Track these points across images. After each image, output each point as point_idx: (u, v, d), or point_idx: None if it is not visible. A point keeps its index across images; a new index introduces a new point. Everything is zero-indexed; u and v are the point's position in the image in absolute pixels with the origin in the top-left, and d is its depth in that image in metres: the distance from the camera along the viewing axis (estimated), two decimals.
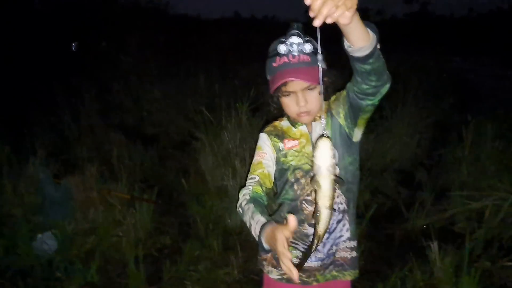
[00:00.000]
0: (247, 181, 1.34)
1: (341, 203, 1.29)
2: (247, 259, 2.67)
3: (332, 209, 0.96)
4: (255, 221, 1.17)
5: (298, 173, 1.30)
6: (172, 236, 2.99)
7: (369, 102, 1.11)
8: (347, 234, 1.32)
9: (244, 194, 1.30)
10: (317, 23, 0.77)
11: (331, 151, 0.90)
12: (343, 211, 1.30)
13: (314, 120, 1.29)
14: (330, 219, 0.97)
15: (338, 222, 1.30)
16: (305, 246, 1.32)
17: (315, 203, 0.96)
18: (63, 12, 9.72)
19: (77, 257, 2.53)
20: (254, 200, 1.26)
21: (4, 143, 3.15)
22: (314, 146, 0.93)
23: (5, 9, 8.12)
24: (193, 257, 2.67)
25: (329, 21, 0.78)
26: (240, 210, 1.28)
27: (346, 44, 0.95)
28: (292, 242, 1.33)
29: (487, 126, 3.42)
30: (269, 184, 1.34)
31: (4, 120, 4.31)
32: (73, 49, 8.84)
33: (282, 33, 1.23)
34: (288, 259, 0.98)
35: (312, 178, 0.94)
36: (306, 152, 1.29)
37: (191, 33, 13.25)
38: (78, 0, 10.84)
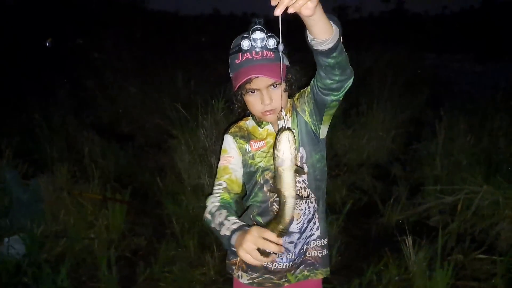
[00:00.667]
0: (214, 188, 1.28)
1: (311, 202, 1.26)
2: (224, 259, 2.63)
3: (295, 198, 0.96)
4: (230, 222, 1.11)
5: (267, 174, 1.26)
6: (147, 237, 2.91)
7: (333, 98, 1.09)
8: (317, 233, 1.31)
9: (213, 202, 1.24)
10: (277, 12, 0.74)
11: (293, 143, 0.90)
12: (314, 210, 1.28)
13: (280, 119, 1.23)
14: (294, 208, 0.97)
15: (309, 221, 1.28)
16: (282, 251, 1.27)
17: (278, 195, 0.96)
18: (35, 7, 9.36)
19: (46, 261, 2.42)
20: (224, 207, 1.20)
21: None
22: (276, 140, 0.90)
23: None
24: (168, 258, 2.62)
25: (291, 11, 0.76)
26: (209, 216, 1.20)
27: (309, 37, 0.93)
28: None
29: (459, 121, 3.50)
30: (237, 189, 1.29)
31: None
32: (47, 44, 8.53)
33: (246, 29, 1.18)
34: (270, 233, 0.96)
35: (275, 171, 0.94)
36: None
37: (169, 29, 13.05)
38: None
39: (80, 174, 3.22)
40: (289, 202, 0.96)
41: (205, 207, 1.24)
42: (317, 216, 1.29)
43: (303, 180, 1.24)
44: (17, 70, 5.62)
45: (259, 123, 1.29)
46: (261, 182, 1.27)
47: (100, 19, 9.13)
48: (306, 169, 1.23)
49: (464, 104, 4.47)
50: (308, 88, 1.18)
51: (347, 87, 1.07)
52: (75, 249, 2.61)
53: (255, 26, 1.12)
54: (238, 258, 1.35)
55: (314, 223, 1.29)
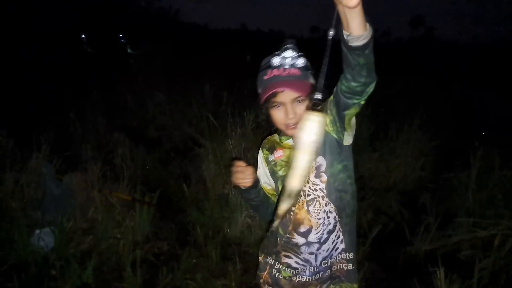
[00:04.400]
0: None
1: (330, 212, 1.27)
2: (246, 271, 2.61)
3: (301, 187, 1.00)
4: None
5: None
6: (170, 242, 2.93)
7: (355, 101, 1.13)
8: (341, 246, 1.30)
9: None
10: None
11: (319, 127, 0.90)
12: (335, 221, 1.28)
13: None
14: (297, 198, 1.02)
15: (330, 232, 1.28)
16: (298, 258, 1.31)
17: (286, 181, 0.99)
18: (75, 12, 9.81)
19: (73, 256, 2.46)
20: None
21: (9, 136, 3.10)
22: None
23: (18, 7, 8.17)
24: (190, 265, 2.61)
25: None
26: None
27: (345, 34, 0.97)
28: (285, 256, 1.33)
29: (494, 153, 3.39)
30: (273, 198, 1.42)
31: (10, 114, 4.28)
32: (83, 42, 8.91)
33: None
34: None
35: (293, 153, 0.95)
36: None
37: (198, 41, 13.37)
38: (92, 3, 10.95)
39: (110, 174, 3.28)
40: (292, 193, 0.98)
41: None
42: (340, 228, 1.28)
43: (320, 189, 1.25)
44: (57, 70, 5.85)
45: (283, 137, 1.37)
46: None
47: (136, 28, 9.46)
48: (325, 178, 1.25)
49: (498, 137, 4.35)
50: (331, 97, 1.21)
51: (369, 92, 1.10)
52: (101, 247, 2.64)
53: (286, 46, 1.23)
54: (265, 272, 1.38)
55: (338, 236, 1.29)
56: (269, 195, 1.42)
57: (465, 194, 3.19)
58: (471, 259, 2.52)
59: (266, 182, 1.40)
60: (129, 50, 9.13)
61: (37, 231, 2.54)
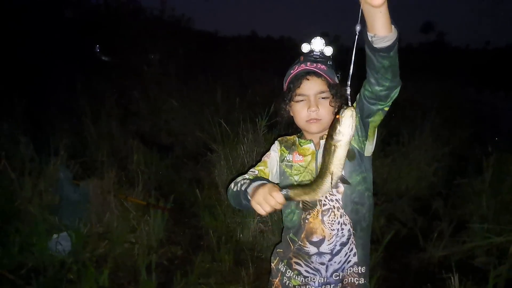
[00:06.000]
0: (247, 172, 1.38)
1: (345, 224, 1.24)
2: (258, 276, 2.63)
3: (339, 178, 1.02)
4: (251, 180, 1.22)
5: None
6: (184, 247, 2.97)
7: (379, 107, 1.11)
8: (354, 259, 1.27)
9: (241, 176, 1.34)
10: None
11: (355, 122, 0.95)
12: (349, 234, 1.25)
13: (322, 138, 1.28)
14: (330, 188, 1.03)
15: (343, 245, 1.26)
16: (308, 267, 1.30)
17: (321, 169, 1.01)
18: (90, 20, 10.03)
19: (89, 260, 2.52)
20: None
21: (29, 141, 3.19)
22: (340, 115, 0.96)
23: (35, 14, 8.41)
24: (203, 270, 2.65)
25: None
26: (233, 184, 1.30)
27: (369, 35, 0.96)
28: (296, 262, 1.33)
29: (508, 159, 3.36)
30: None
31: (29, 120, 4.40)
32: (97, 50, 9.10)
33: (297, 54, 1.32)
34: (277, 194, 1.07)
35: (328, 144, 0.98)
36: (310, 168, 1.29)
37: (209, 48, 13.51)
38: (107, 9, 11.18)
39: (125, 180, 3.35)
40: (328, 180, 0.98)
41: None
42: (353, 241, 1.26)
43: (336, 199, 1.23)
44: (72, 76, 5.99)
45: (302, 140, 1.35)
46: None
47: (149, 35, 9.63)
48: (342, 188, 1.23)
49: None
50: (354, 104, 1.20)
51: (394, 97, 1.09)
52: (116, 251, 2.69)
53: (316, 36, 1.26)
54: (277, 279, 1.39)
55: (350, 249, 1.26)
56: (258, 172, 1.37)
57: (478, 200, 3.16)
58: (486, 266, 2.50)
59: (272, 166, 1.38)
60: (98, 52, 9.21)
61: (55, 236, 2.60)
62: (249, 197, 1.13)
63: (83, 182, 2.99)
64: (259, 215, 3.02)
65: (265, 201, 1.06)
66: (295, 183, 1.29)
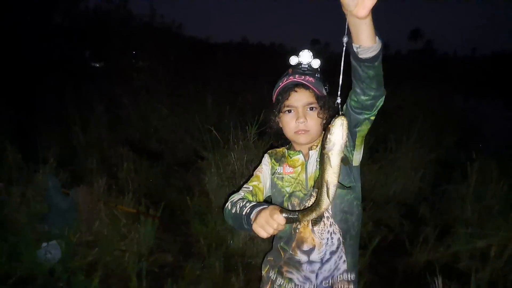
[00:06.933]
0: (242, 189, 1.39)
1: (335, 233, 1.27)
2: (249, 282, 2.65)
3: (337, 186, 1.02)
4: (251, 203, 1.22)
5: (294, 200, 1.31)
6: (174, 254, 2.97)
7: (366, 116, 1.14)
8: (343, 266, 1.30)
9: (235, 196, 1.34)
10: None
11: (345, 130, 0.96)
12: (338, 242, 1.28)
13: (311, 148, 1.32)
14: (334, 197, 1.03)
15: (332, 253, 1.28)
16: (299, 275, 1.32)
17: (322, 179, 1.01)
18: (79, 26, 10.00)
19: (79, 268, 2.51)
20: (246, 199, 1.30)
21: (16, 150, 3.18)
22: (330, 124, 0.97)
23: (23, 21, 8.36)
24: (194, 277, 2.66)
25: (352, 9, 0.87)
26: (230, 205, 1.30)
27: (354, 46, 0.99)
28: (287, 271, 1.35)
29: (492, 165, 3.46)
30: (260, 197, 1.39)
31: (16, 128, 4.36)
32: (86, 56, 9.06)
33: (288, 61, 1.35)
34: (279, 216, 1.07)
35: (322, 154, 1.00)
36: (301, 179, 1.32)
37: (200, 55, 13.56)
38: (96, 16, 11.17)
39: (115, 187, 3.34)
40: (331, 189, 1.00)
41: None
42: (343, 249, 1.28)
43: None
44: (61, 83, 5.97)
45: (291, 152, 1.38)
46: (289, 207, 1.32)
47: (139, 42, 9.64)
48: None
49: (495, 148, 4.42)
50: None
51: (379, 106, 1.12)
52: (106, 259, 2.69)
53: (304, 50, 1.30)
54: (267, 286, 1.41)
55: (340, 257, 1.28)
56: (253, 188, 1.39)
57: (463, 206, 3.25)
58: (469, 269, 2.56)
59: (265, 181, 1.40)
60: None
61: (44, 244, 2.59)
62: (252, 223, 1.14)
63: (72, 190, 2.99)
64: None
65: (268, 224, 1.07)
66: (287, 195, 1.32)
